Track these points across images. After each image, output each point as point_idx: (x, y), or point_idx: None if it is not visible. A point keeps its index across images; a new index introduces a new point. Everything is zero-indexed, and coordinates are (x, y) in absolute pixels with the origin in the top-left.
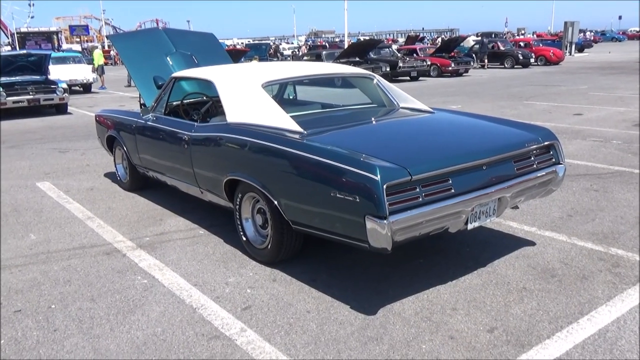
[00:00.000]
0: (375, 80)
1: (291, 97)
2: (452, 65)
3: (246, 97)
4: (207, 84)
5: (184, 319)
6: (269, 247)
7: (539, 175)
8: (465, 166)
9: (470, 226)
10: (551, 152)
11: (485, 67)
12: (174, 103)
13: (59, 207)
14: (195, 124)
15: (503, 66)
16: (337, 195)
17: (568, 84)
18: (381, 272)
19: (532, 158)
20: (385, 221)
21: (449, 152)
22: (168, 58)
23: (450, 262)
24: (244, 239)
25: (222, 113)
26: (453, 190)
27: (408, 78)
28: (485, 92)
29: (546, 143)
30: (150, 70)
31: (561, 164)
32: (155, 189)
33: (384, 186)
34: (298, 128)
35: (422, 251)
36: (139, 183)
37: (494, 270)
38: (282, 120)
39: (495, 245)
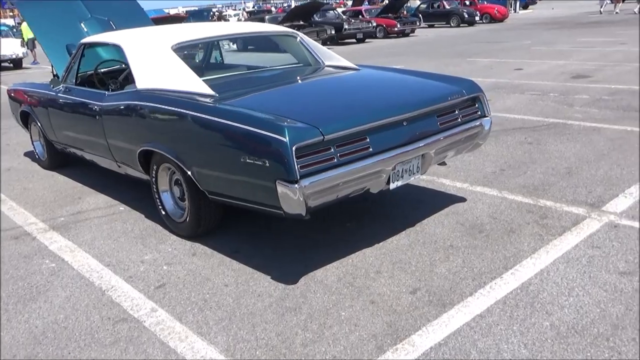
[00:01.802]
0: (298, 39)
1: (217, 61)
2: (398, 25)
3: (155, 60)
4: (116, 49)
5: (90, 302)
6: (188, 220)
7: (463, 129)
8: (384, 123)
9: (392, 185)
10: (476, 105)
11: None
12: (88, 72)
13: None
14: (106, 92)
15: (449, 25)
16: (247, 160)
17: (512, 40)
18: (308, 239)
19: (456, 112)
20: (296, 185)
21: (366, 109)
22: (82, 24)
23: (379, 223)
24: (163, 212)
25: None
26: (371, 149)
27: (354, 40)
28: (430, 52)
29: (471, 96)
30: (63, 38)
31: (487, 116)
32: (77, 166)
33: (293, 148)
34: (210, 91)
35: (351, 214)
36: (59, 161)
37: (423, 230)
38: (193, 83)
39: (425, 204)
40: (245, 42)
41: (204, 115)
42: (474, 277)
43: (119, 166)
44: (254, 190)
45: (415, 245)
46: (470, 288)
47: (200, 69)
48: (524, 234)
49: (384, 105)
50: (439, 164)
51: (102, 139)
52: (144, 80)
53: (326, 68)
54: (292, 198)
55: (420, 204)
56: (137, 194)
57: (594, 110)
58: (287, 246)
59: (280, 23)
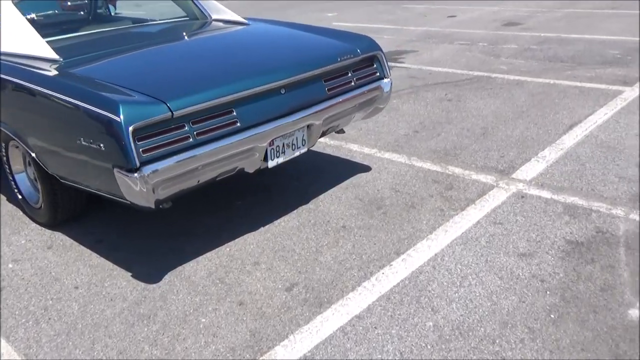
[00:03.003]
0: None
1: (94, 15)
2: None
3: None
4: None
5: None
6: (43, 206)
7: (358, 93)
8: (255, 92)
9: (272, 163)
10: (374, 66)
11: None
12: None
13: None
14: None
15: None
16: (83, 143)
17: None
18: (187, 224)
19: (349, 74)
20: (135, 175)
21: (232, 77)
22: None
23: (271, 201)
24: (20, 196)
25: None
26: (239, 124)
27: None
28: None
29: (367, 55)
30: None
31: (387, 78)
32: None
33: (130, 129)
34: (53, 55)
35: (245, 190)
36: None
37: (317, 207)
38: (34, 45)
39: (327, 175)
40: None
41: (32, 86)
42: (361, 266)
43: None
44: (95, 178)
45: (305, 227)
46: (354, 281)
47: (55, 26)
48: (425, 210)
49: (255, 71)
50: (337, 132)
51: None
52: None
53: (213, 23)
54: (134, 189)
55: (322, 175)
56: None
57: (520, 61)
58: (161, 233)
59: None
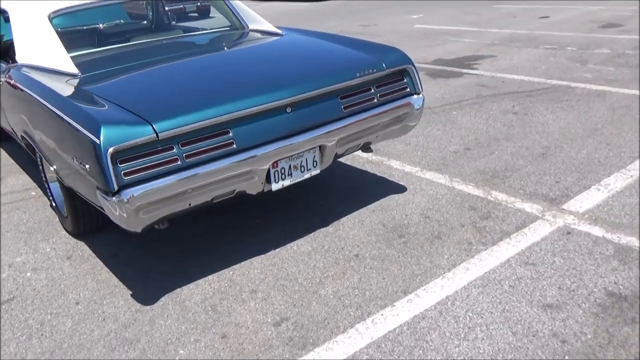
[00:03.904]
0: None
1: (163, 22)
2: None
3: (32, 30)
4: (5, 16)
5: None
6: (68, 215)
7: (381, 111)
8: (255, 111)
9: (276, 186)
10: (404, 80)
11: None
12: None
13: None
14: (2, 65)
15: None
16: (75, 161)
17: None
18: (202, 241)
19: (372, 90)
20: (114, 198)
21: (232, 95)
22: None
23: (292, 221)
24: (53, 204)
25: None
26: (235, 145)
27: None
28: None
29: (394, 69)
30: None
31: (418, 94)
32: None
33: (109, 151)
34: (73, 70)
35: (267, 206)
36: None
37: (335, 231)
38: (58, 60)
39: (357, 195)
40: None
41: (42, 101)
42: (361, 304)
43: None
44: (92, 198)
45: (316, 253)
46: (348, 321)
47: (88, 39)
48: (451, 242)
49: (258, 89)
50: (363, 151)
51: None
52: (23, 53)
53: (250, 34)
54: (114, 213)
55: (352, 194)
56: None
57: (609, 68)
58: (174, 250)
59: None
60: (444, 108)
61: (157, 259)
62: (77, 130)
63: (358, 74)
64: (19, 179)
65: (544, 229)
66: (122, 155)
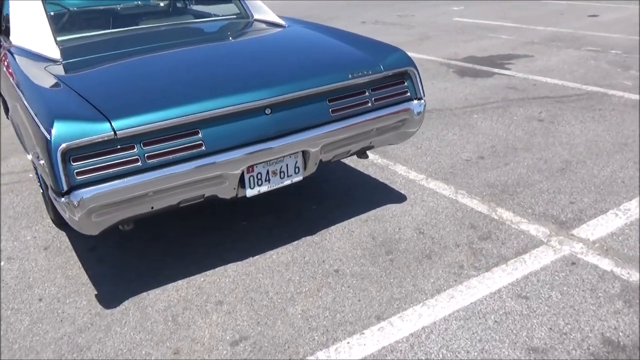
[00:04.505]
0: None
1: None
2: None
3: (24, 10)
4: None
5: None
6: (48, 203)
7: (375, 117)
8: (228, 111)
9: (251, 192)
10: (405, 84)
11: None
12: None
13: None
14: (3, 42)
15: None
16: (36, 155)
17: None
18: (185, 241)
19: (367, 93)
20: (62, 199)
21: (205, 93)
22: None
23: (278, 226)
24: (41, 190)
25: None
26: (205, 147)
27: None
28: None
29: (392, 72)
30: None
31: (420, 98)
32: None
33: (60, 148)
34: (55, 55)
35: (257, 209)
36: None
37: (321, 241)
38: (43, 44)
39: (352, 202)
40: None
41: (16, 88)
42: (328, 329)
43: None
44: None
45: (295, 264)
46: (310, 347)
47: (86, 22)
48: (441, 263)
49: (236, 87)
50: (358, 157)
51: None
52: (17, 35)
53: (254, 24)
54: (64, 215)
55: (347, 201)
56: None
57: None
58: (153, 249)
59: None
60: (465, 110)
61: (134, 257)
62: (35, 122)
63: (350, 75)
64: (21, 159)
65: (546, 256)
66: (76, 153)
